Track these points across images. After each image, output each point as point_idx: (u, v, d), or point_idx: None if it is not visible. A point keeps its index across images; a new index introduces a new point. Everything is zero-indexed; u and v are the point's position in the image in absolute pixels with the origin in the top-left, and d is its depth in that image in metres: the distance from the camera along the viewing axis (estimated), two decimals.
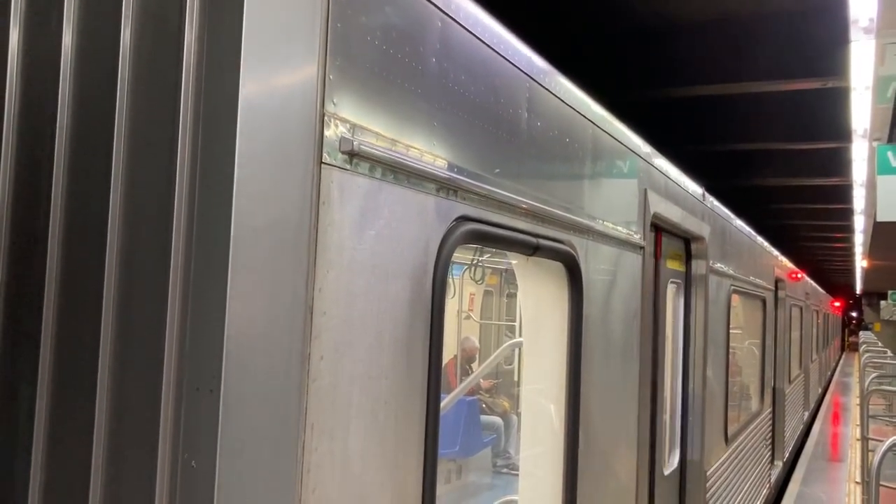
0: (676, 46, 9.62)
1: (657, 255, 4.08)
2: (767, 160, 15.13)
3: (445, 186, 1.78)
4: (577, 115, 2.64)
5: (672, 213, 4.00)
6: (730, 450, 5.78)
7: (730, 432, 5.78)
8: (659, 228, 4.04)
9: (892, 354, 19.10)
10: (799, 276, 12.26)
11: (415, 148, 1.67)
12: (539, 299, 2.68)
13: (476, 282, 7.17)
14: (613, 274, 3.04)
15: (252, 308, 1.26)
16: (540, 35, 7.38)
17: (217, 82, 1.27)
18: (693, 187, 4.65)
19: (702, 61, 9.92)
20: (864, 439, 9.74)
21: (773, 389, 9.23)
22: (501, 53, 2.08)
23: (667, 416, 4.58)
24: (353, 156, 1.45)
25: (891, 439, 6.05)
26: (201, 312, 1.24)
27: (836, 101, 10.32)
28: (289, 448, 1.32)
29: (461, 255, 6.42)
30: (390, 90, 1.60)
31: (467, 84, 1.89)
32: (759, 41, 9.44)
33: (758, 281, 7.59)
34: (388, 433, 1.58)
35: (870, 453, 8.66)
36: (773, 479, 8.73)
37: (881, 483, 7.27)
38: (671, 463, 4.54)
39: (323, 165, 1.39)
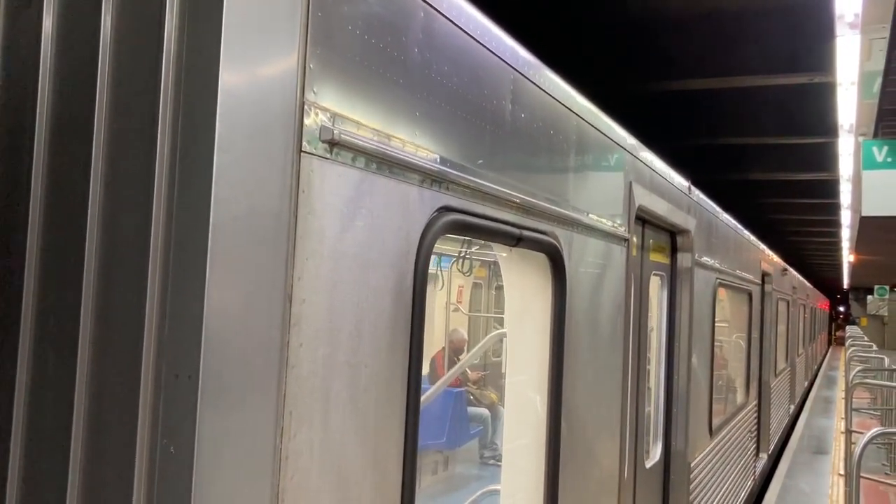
0: (665, 41, 9.65)
1: (642, 248, 4.11)
2: (755, 154, 15.20)
3: (428, 177, 1.79)
4: (561, 107, 2.66)
5: (657, 206, 4.03)
6: (714, 442, 5.81)
7: (714, 424, 5.81)
8: (644, 221, 4.07)
9: (876, 348, 19.29)
10: (786, 270, 12.31)
11: (397, 138, 1.68)
12: (523, 290, 2.70)
13: (464, 274, 7.19)
14: (597, 266, 3.06)
15: (231, 295, 1.27)
16: (530, 29, 7.39)
17: (197, 69, 1.27)
18: (679, 180, 4.67)
19: (690, 56, 9.95)
20: (848, 432, 9.84)
21: (759, 382, 9.28)
22: (485, 45, 2.09)
23: (651, 408, 4.62)
24: (334, 145, 1.46)
25: (871, 431, 6.13)
26: (180, 299, 1.25)
27: (823, 96, 10.38)
28: (267, 435, 1.33)
29: (449, 247, 6.43)
30: (372, 80, 1.60)
31: (451, 75, 1.90)
32: (747, 36, 9.48)
33: (744, 275, 7.61)
34: (368, 421, 1.60)
35: (853, 446, 8.75)
36: (758, 471, 8.80)
37: (863, 475, 7.35)
38: (655, 454, 4.58)
39: (303, 154, 1.40)
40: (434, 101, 1.83)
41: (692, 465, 4.99)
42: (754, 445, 8.64)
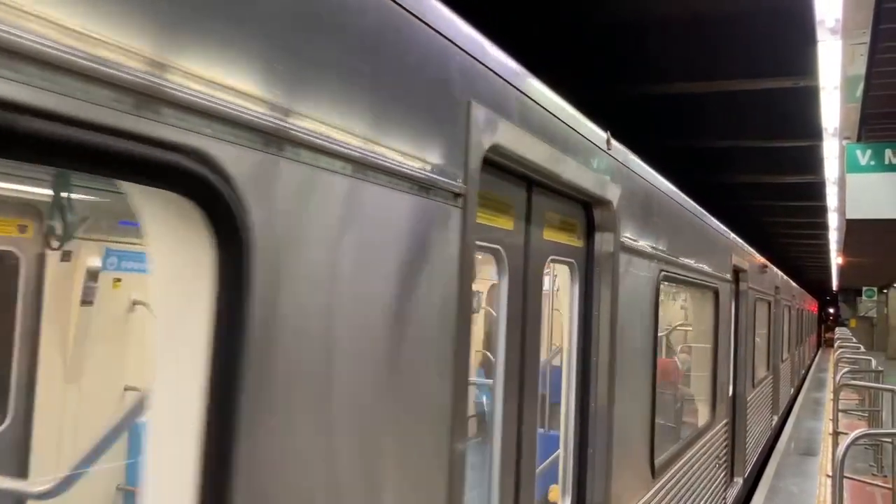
0: (651, 45, 9.70)
1: (528, 220, 2.84)
2: (741, 158, 15.28)
3: None
4: None
5: (538, 155, 2.62)
6: (660, 483, 4.48)
7: (659, 461, 4.45)
8: (532, 182, 2.83)
9: (864, 350, 19.39)
10: (766, 266, 10.98)
11: None
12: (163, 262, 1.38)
13: None
14: (381, 233, 1.74)
15: None
16: (516, 32, 7.41)
17: None
18: (586, 125, 3.21)
19: (676, 60, 10.01)
20: (835, 433, 9.86)
21: (733, 397, 8.14)
22: None
23: (561, 449, 3.34)
24: None
25: (854, 433, 6.16)
26: None
27: (808, 100, 10.46)
28: None
29: None
30: None
31: None
32: (732, 40, 9.54)
33: (706, 268, 6.10)
34: None
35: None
36: (729, 499, 7.56)
37: (850, 476, 7.35)
38: None
39: None
40: None
41: None
42: (725, 472, 7.22)
